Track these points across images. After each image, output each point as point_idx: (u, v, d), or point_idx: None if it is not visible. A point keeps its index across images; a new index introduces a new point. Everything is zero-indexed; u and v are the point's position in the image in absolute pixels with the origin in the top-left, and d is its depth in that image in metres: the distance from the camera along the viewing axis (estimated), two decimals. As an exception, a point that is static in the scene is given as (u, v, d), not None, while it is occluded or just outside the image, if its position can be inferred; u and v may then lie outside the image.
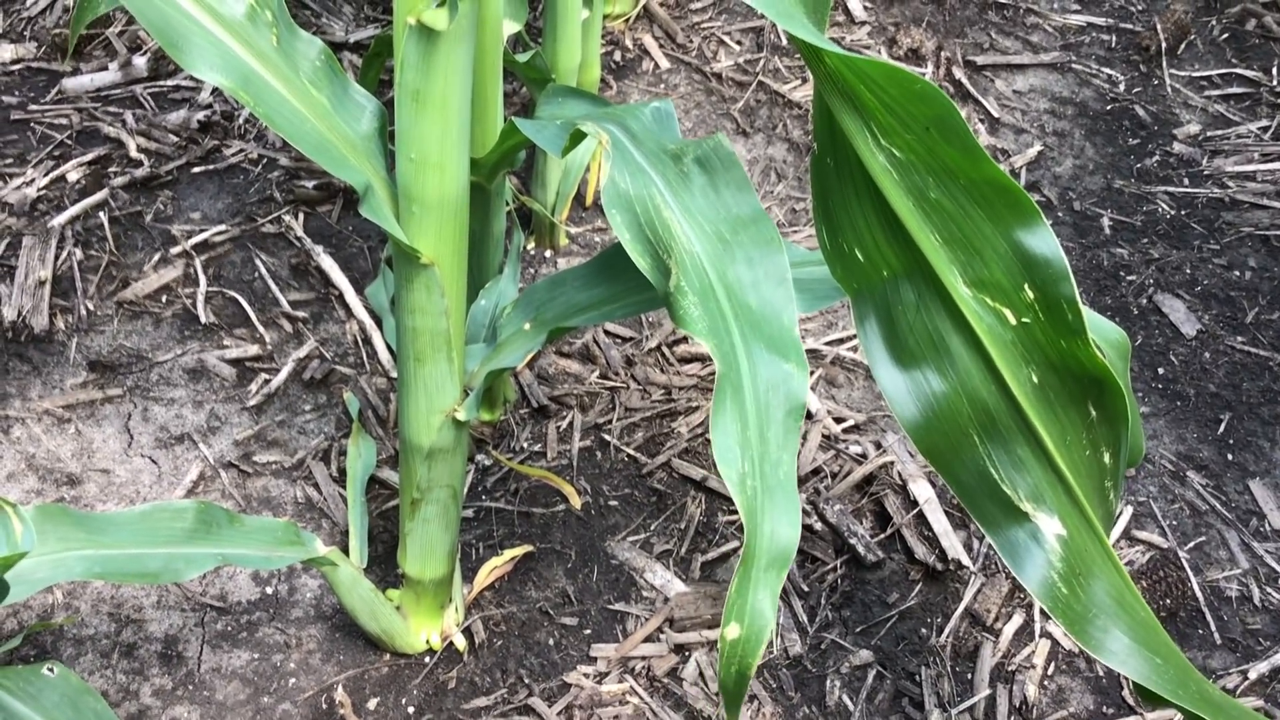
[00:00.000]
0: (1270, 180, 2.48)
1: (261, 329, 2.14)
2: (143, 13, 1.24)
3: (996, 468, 1.18)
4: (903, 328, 1.18)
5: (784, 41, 2.69)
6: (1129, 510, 1.97)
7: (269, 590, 1.83)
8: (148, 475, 1.95)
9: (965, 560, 1.88)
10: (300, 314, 2.16)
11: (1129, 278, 2.30)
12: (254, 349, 2.11)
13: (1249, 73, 2.70)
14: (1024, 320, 1.14)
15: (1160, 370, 2.17)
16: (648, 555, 1.88)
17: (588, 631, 1.80)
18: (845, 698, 1.75)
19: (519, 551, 1.86)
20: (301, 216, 2.31)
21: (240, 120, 2.48)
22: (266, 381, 2.07)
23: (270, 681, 1.73)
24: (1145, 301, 2.27)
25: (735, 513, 1.95)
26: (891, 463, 1.99)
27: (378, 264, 2.24)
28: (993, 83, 2.66)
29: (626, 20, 2.71)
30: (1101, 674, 1.79)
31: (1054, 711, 1.75)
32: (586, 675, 1.75)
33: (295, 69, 1.35)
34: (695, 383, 2.10)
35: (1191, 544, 1.94)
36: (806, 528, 1.91)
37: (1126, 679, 1.75)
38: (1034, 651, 1.80)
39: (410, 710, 1.71)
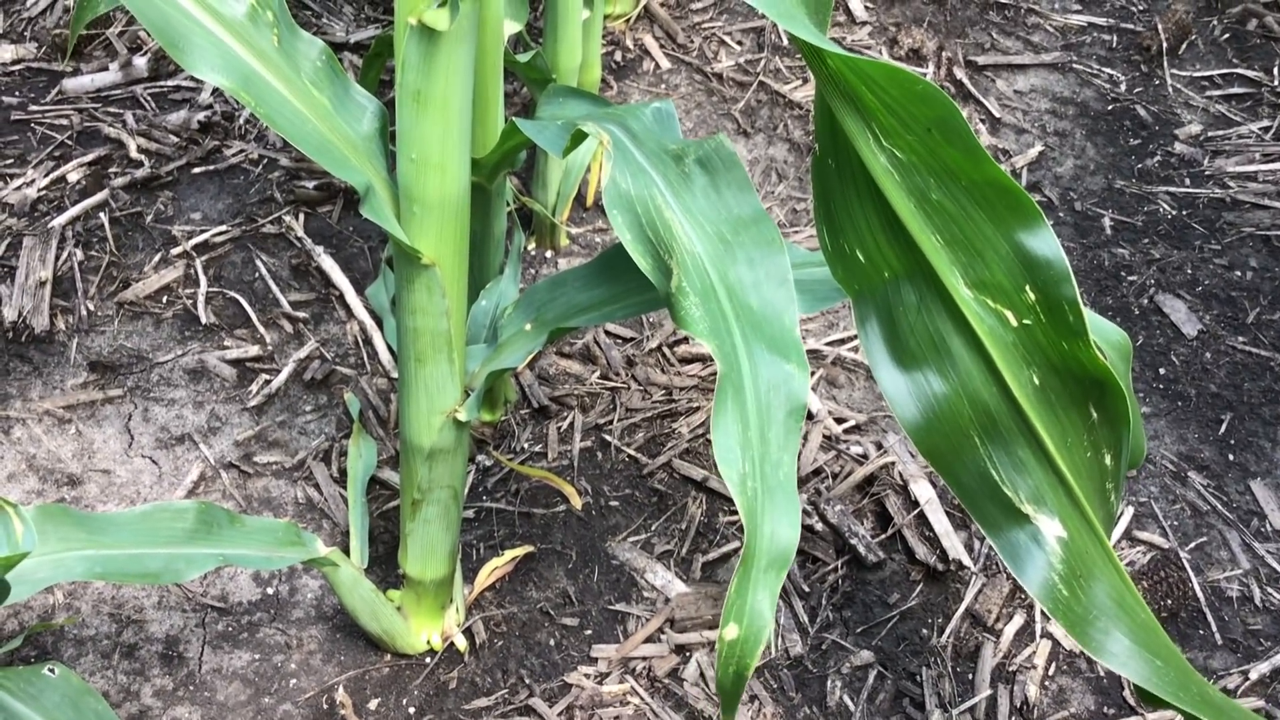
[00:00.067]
0: (1271, 180, 2.48)
1: (262, 329, 2.14)
2: (143, 13, 1.24)
3: (997, 469, 1.18)
4: (904, 329, 1.18)
5: (785, 42, 2.69)
6: (1130, 510, 1.97)
7: (270, 591, 1.83)
8: (148, 476, 1.95)
9: (966, 561, 1.88)
10: (301, 314, 2.16)
11: (1130, 278, 2.30)
12: (254, 349, 2.11)
13: (1250, 73, 2.70)
14: (1025, 321, 1.14)
15: (1161, 370, 2.16)
16: (648, 556, 1.88)
17: (588, 632, 1.80)
18: (846, 698, 1.75)
19: (520, 552, 1.86)
20: (302, 217, 2.31)
21: (241, 121, 2.48)
22: (267, 382, 2.07)
23: (271, 682, 1.73)
24: (1146, 302, 2.27)
25: (736, 513, 1.95)
26: (892, 463, 1.99)
27: (378, 264, 2.24)
28: (994, 83, 2.66)
29: (627, 20, 2.71)
30: (1102, 674, 1.79)
31: (1055, 712, 1.75)
32: (587, 676, 1.75)
33: (296, 69, 1.35)
34: (696, 383, 2.10)
35: (1192, 544, 1.94)
36: (807, 528, 1.91)
37: (1127, 680, 1.75)
38: (1035, 652, 1.80)
39: (411, 711, 1.71)
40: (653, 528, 1.92)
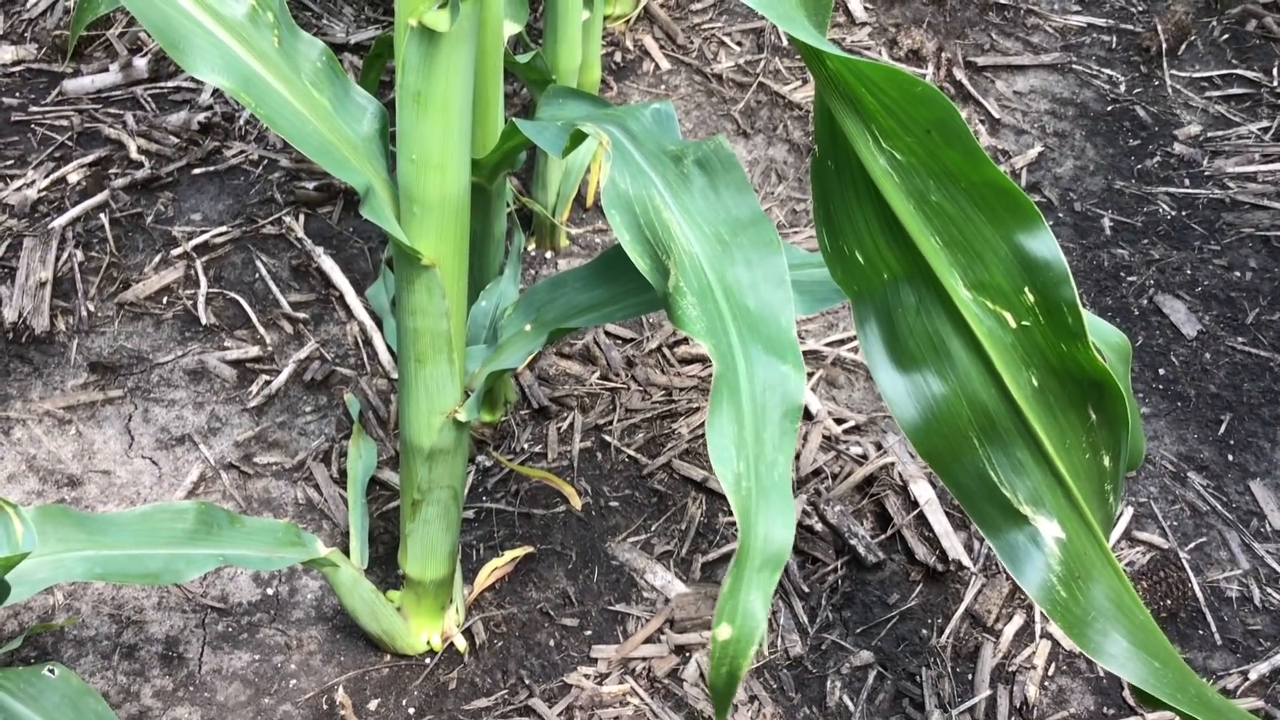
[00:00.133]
0: (1271, 181, 2.48)
1: (262, 330, 2.14)
2: (144, 14, 1.24)
3: (996, 470, 1.18)
4: (903, 330, 1.18)
5: (785, 43, 2.69)
6: (1129, 511, 1.97)
7: (270, 591, 1.83)
8: (148, 476, 1.95)
9: (966, 561, 1.88)
10: (301, 315, 2.16)
11: (1129, 278, 2.31)
12: (255, 350, 2.11)
13: (1249, 73, 2.70)
14: (1024, 323, 1.14)
15: (1161, 371, 2.17)
16: (648, 556, 1.89)
17: (588, 632, 1.80)
18: (846, 698, 1.75)
19: (519, 552, 1.86)
20: (302, 218, 2.31)
21: (241, 121, 2.48)
22: (267, 383, 2.07)
23: (271, 682, 1.73)
24: (1146, 302, 2.27)
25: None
26: (892, 464, 1.99)
27: (378, 265, 2.24)
28: (993, 84, 2.66)
29: (627, 21, 2.71)
30: (1102, 675, 1.79)
31: (1054, 712, 1.75)
32: (587, 676, 1.75)
33: (296, 70, 1.35)
34: (696, 384, 2.11)
35: (1192, 544, 1.94)
36: (807, 528, 1.91)
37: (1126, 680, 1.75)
38: (1034, 652, 1.80)
39: (411, 711, 1.71)
40: (652, 528, 1.92)
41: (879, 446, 2.02)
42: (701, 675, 1.75)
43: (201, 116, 2.46)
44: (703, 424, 2.05)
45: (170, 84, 2.55)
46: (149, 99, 2.51)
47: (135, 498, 1.93)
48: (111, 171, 2.38)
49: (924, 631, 1.82)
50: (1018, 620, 1.84)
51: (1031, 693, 1.75)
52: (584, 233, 2.33)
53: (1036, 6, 2.84)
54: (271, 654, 1.76)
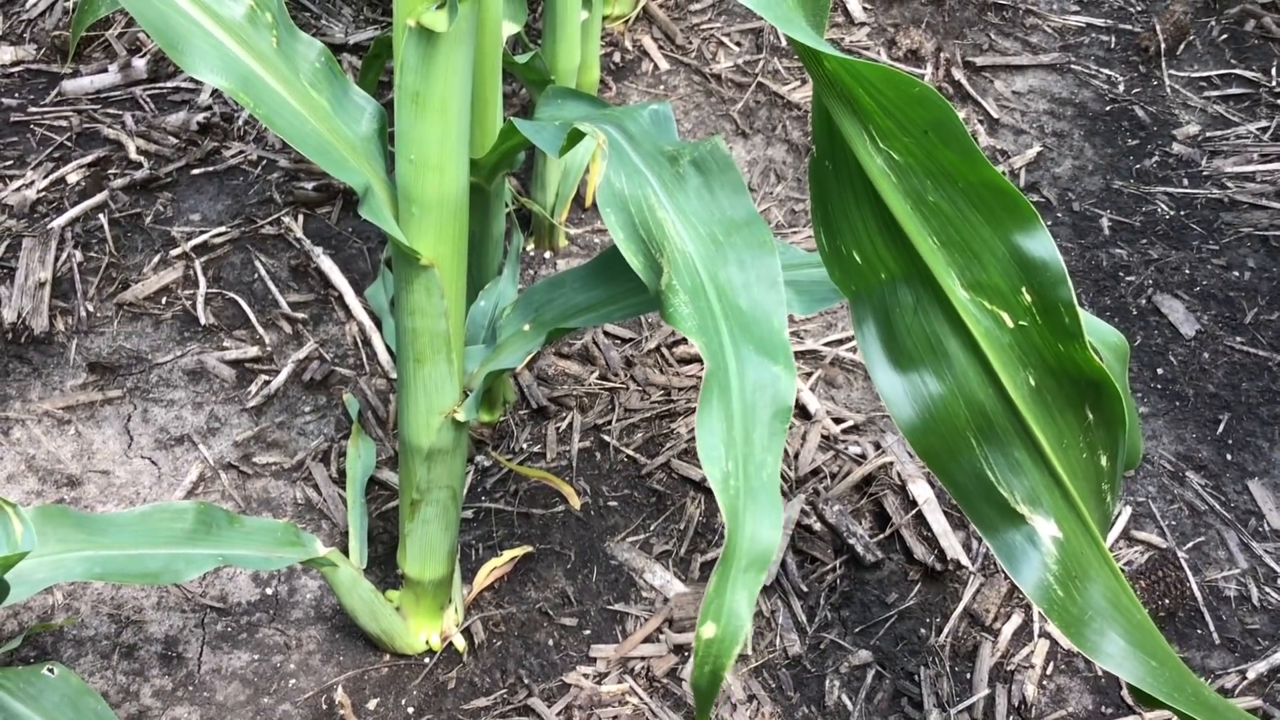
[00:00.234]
0: (1269, 181, 2.48)
1: (261, 330, 2.14)
2: (143, 14, 1.24)
3: (993, 470, 1.19)
4: (900, 330, 1.19)
5: (783, 43, 2.69)
6: (1128, 510, 1.97)
7: (269, 591, 1.83)
8: (147, 476, 1.96)
9: (964, 560, 1.88)
10: (300, 315, 2.16)
11: (1128, 278, 2.31)
12: (254, 350, 2.11)
13: (1248, 73, 2.70)
14: (1021, 323, 1.14)
15: (1159, 370, 2.17)
16: (647, 556, 1.89)
17: (587, 632, 1.81)
18: (844, 698, 1.75)
19: (518, 552, 1.86)
20: (301, 218, 2.32)
21: (240, 122, 2.48)
22: (266, 383, 2.07)
23: (270, 682, 1.74)
24: (1144, 302, 2.27)
25: (734, 513, 1.95)
26: (891, 463, 1.99)
27: (377, 265, 2.24)
28: (992, 84, 2.66)
29: (626, 21, 2.71)
30: (1100, 674, 1.80)
31: (1053, 711, 1.75)
32: (586, 676, 1.75)
33: (295, 71, 1.35)
34: (694, 384, 2.11)
35: (1190, 544, 1.94)
36: (806, 528, 1.91)
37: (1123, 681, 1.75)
38: (1033, 651, 1.80)
39: (410, 711, 1.71)
40: (651, 528, 1.93)
41: (877, 446, 2.02)
42: (700, 675, 1.75)
43: (200, 117, 2.46)
44: (701, 424, 2.05)
45: (169, 84, 2.56)
46: (148, 99, 2.51)
47: (134, 498, 1.93)
48: (110, 172, 2.38)
49: (922, 631, 1.82)
50: (1016, 619, 1.84)
51: (1030, 692, 1.76)
52: (583, 233, 2.33)
53: (1035, 7, 2.84)
54: (271, 654, 1.76)
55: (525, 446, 2.01)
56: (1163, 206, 2.44)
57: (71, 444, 1.99)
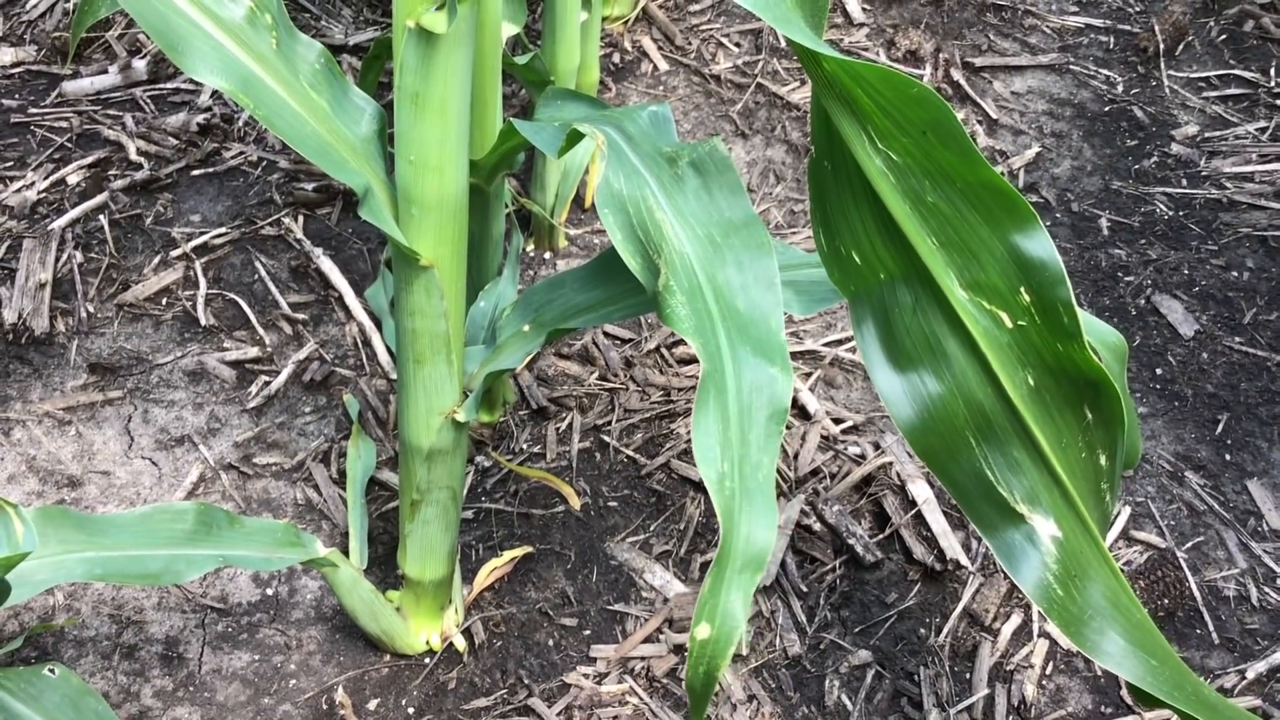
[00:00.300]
0: (1268, 181, 2.48)
1: (261, 331, 2.15)
2: (143, 15, 1.24)
3: (992, 470, 1.19)
4: (899, 330, 1.19)
5: (782, 44, 2.69)
6: (1127, 510, 1.97)
7: (269, 592, 1.83)
8: (148, 477, 1.96)
9: (964, 560, 1.88)
10: (300, 316, 2.16)
11: (1127, 278, 2.31)
12: (254, 351, 2.11)
13: (1247, 74, 2.71)
14: (1020, 323, 1.15)
15: (1158, 371, 2.17)
16: (647, 556, 1.89)
17: (587, 632, 1.81)
18: (844, 698, 1.75)
19: (518, 552, 1.87)
20: (301, 219, 2.32)
21: (240, 123, 2.48)
22: (266, 383, 2.08)
23: (271, 682, 1.74)
24: (1143, 302, 2.27)
25: (734, 514, 1.95)
26: (890, 463, 1.99)
27: (377, 266, 2.25)
28: (991, 84, 2.66)
29: (625, 22, 2.71)
30: (1100, 674, 1.80)
31: (1052, 711, 1.75)
32: (586, 676, 1.75)
33: (295, 72, 1.35)
34: (694, 384, 2.11)
35: (1189, 544, 1.94)
36: (805, 528, 1.92)
37: (1123, 679, 1.76)
38: (1032, 651, 1.81)
39: (410, 711, 1.71)
40: (651, 528, 1.93)
41: (877, 446, 2.02)
42: (700, 675, 1.75)
43: (200, 118, 2.46)
44: (701, 424, 2.05)
45: (169, 86, 2.56)
46: (148, 100, 2.52)
47: (135, 498, 1.93)
48: (111, 173, 2.38)
49: (922, 631, 1.83)
50: (1015, 619, 1.84)
51: (1029, 691, 1.76)
52: (582, 233, 2.34)
53: (1034, 7, 2.84)
54: (271, 654, 1.77)
55: (525, 447, 2.01)
56: (1161, 207, 2.44)
57: (72, 445, 1.99)
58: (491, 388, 2.00)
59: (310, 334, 2.15)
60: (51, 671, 1.37)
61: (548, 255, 2.30)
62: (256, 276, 2.23)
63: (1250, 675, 1.79)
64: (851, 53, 2.64)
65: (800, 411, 2.07)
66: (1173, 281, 2.31)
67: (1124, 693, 1.77)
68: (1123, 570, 1.35)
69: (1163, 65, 2.72)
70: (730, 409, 1.13)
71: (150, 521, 1.52)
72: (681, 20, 2.74)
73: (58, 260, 2.22)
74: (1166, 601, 1.84)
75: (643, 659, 1.77)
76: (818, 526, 1.92)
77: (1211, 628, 1.85)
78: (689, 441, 2.02)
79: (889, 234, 1.17)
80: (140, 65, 2.55)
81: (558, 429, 2.04)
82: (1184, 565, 1.90)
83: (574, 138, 1.34)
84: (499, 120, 1.78)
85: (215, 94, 2.53)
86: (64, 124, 2.46)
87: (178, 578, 1.49)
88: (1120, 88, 2.67)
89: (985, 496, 1.19)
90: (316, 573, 1.82)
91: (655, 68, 2.63)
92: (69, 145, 2.43)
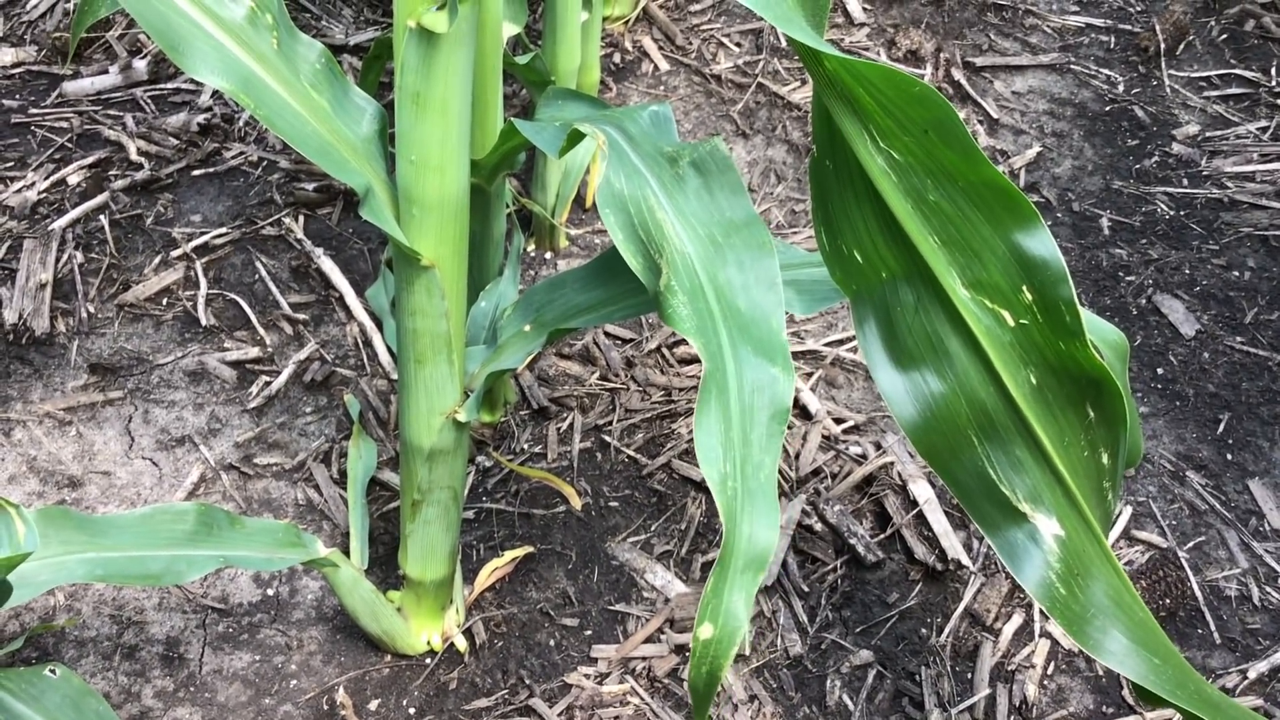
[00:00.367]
0: (1269, 181, 2.48)
1: (262, 331, 2.15)
2: (143, 15, 1.24)
3: (995, 468, 1.19)
4: (901, 329, 1.19)
5: (783, 43, 2.69)
6: (1128, 510, 1.97)
7: (270, 592, 1.83)
8: (149, 477, 1.96)
9: (965, 560, 1.88)
10: (301, 316, 2.16)
11: (1128, 278, 2.31)
12: (254, 351, 2.11)
13: (1248, 73, 2.71)
14: (1022, 322, 1.15)
15: (1159, 370, 2.17)
16: (648, 556, 1.89)
17: (588, 632, 1.81)
18: (845, 697, 1.75)
19: (519, 553, 1.87)
20: (302, 219, 2.32)
21: (240, 123, 2.48)
22: (267, 384, 2.08)
23: (272, 683, 1.74)
24: (1144, 302, 2.27)
25: (735, 514, 1.95)
26: (891, 463, 1.99)
27: (378, 266, 2.25)
28: (992, 84, 2.66)
29: (626, 22, 2.71)
30: (1101, 673, 1.80)
31: (1054, 711, 1.75)
32: (587, 676, 1.75)
33: (296, 72, 1.35)
34: (695, 384, 2.11)
35: (1191, 544, 1.94)
36: (806, 528, 1.92)
37: (1126, 679, 1.75)
38: (1034, 651, 1.80)
39: (411, 711, 1.71)
40: (652, 528, 1.93)
41: (878, 446, 2.02)
42: (701, 675, 1.75)
43: (201, 118, 2.46)
44: (702, 424, 2.05)
45: (170, 86, 2.56)
46: (148, 101, 2.52)
47: (135, 499, 1.93)
48: (111, 173, 2.38)
49: (923, 631, 1.83)
50: (1017, 619, 1.84)
51: (1031, 691, 1.76)
52: (583, 233, 2.34)
53: (1035, 7, 2.84)
54: (272, 654, 1.77)
55: (526, 447, 2.01)
56: (1162, 206, 2.44)
57: (73, 445, 1.99)
58: (492, 388, 2.00)
59: (311, 334, 2.15)
60: (52, 672, 1.37)
61: (549, 255, 2.30)
62: (257, 276, 2.23)
63: (1252, 675, 1.79)
64: (852, 52, 2.64)
65: (802, 411, 2.07)
66: (1174, 281, 2.31)
67: (1125, 692, 1.77)
68: (1124, 570, 1.35)
69: (1163, 65, 2.72)
70: (732, 409, 1.13)
71: (151, 522, 1.52)
72: (682, 20, 2.74)
73: (58, 260, 2.21)
74: (1168, 601, 1.84)
75: (644, 659, 1.77)
76: (819, 526, 1.92)
77: (1213, 627, 1.85)
78: (690, 441, 2.02)
79: (891, 233, 1.17)
80: (141, 65, 2.55)
81: (559, 429, 2.04)
82: (1185, 565, 1.89)
83: (575, 138, 1.34)
84: (500, 120, 1.78)
85: (216, 94, 2.53)
86: (64, 124, 2.46)
87: (178, 578, 1.49)
88: (1121, 87, 2.67)
89: (988, 495, 1.19)
90: (317, 573, 1.82)
91: (656, 68, 2.63)
92: (69, 145, 2.43)
